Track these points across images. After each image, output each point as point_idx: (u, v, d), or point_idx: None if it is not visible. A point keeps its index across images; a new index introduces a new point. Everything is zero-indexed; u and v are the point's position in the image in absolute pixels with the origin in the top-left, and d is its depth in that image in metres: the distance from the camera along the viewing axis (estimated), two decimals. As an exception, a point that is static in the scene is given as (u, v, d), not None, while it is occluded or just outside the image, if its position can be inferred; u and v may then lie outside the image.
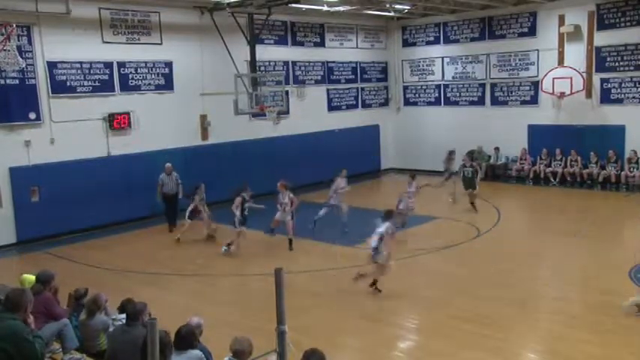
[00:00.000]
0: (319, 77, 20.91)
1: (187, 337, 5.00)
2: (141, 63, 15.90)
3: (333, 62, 21.32)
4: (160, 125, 16.07)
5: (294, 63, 19.93)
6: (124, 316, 6.10)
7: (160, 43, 16.22)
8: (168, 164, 14.71)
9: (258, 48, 17.73)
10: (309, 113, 20.18)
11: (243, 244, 12.55)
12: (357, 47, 22.15)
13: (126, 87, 15.64)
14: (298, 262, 11.59)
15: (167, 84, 16.46)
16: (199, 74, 16.89)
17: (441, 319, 8.67)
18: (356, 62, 22.17)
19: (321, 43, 20.87)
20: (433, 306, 9.23)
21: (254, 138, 18.34)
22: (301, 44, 20.20)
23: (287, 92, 18.96)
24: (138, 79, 15.88)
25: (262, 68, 18.31)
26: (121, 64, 15.51)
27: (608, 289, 9.60)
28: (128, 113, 15.54)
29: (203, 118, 17.20)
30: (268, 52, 18.72)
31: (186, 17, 16.70)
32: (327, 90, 21.22)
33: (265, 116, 17.49)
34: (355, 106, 22.35)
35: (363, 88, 22.58)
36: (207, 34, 16.97)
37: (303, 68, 20.30)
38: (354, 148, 21.36)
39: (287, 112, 18.95)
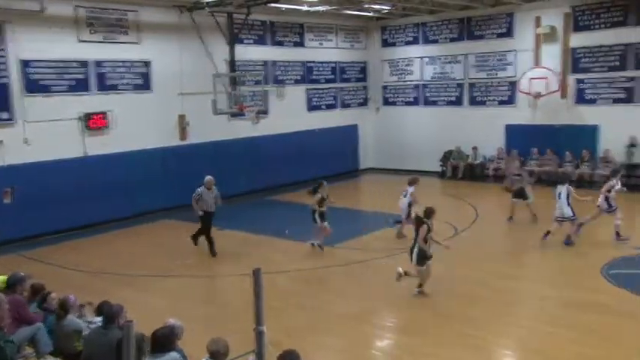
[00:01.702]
0: (299, 77, 20.90)
1: (164, 340, 4.95)
2: (118, 62, 15.74)
3: (313, 62, 21.32)
4: (138, 125, 15.92)
5: (273, 63, 19.90)
6: (100, 319, 6.04)
7: (138, 43, 16.08)
8: (209, 177, 12.46)
9: (238, 48, 17.69)
10: (289, 113, 20.16)
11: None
12: (336, 47, 22.18)
13: (103, 86, 15.47)
14: (277, 262, 11.57)
15: (145, 83, 16.32)
16: (178, 74, 16.77)
17: (420, 317, 8.73)
18: (335, 62, 22.20)
19: (301, 43, 20.86)
20: (412, 305, 9.28)
21: (233, 138, 18.27)
22: (281, 44, 20.17)
23: (266, 92, 18.92)
24: (115, 79, 15.72)
25: (242, 68, 18.25)
26: (98, 63, 15.34)
27: (583, 287, 9.75)
28: (105, 113, 15.38)
29: (182, 118, 17.09)
30: (248, 52, 18.66)
31: (164, 16, 16.57)
32: (307, 90, 21.22)
33: (245, 116, 17.44)
34: (334, 106, 22.38)
35: (342, 88, 22.62)
36: (186, 34, 16.87)
37: (282, 68, 20.28)
38: (333, 147, 21.44)
39: (266, 112, 18.91)
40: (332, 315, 8.99)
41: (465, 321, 8.46)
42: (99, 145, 15.26)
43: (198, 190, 12.26)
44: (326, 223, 12.20)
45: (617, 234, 12.06)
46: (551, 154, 19.09)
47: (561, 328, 8.15)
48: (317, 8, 18.91)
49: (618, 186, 12.21)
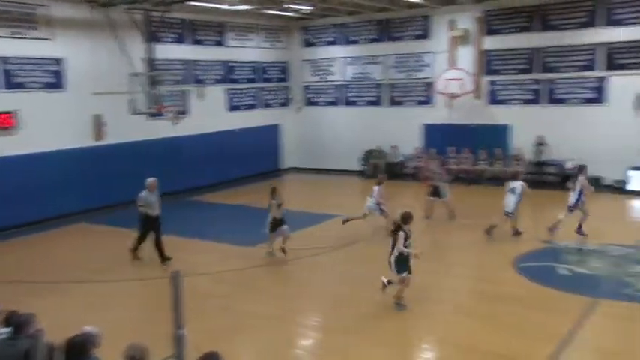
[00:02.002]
0: (219, 77, 20.67)
1: (79, 348, 4.77)
2: (27, 59, 15.03)
3: (234, 62, 21.15)
4: (51, 125, 15.25)
5: (193, 62, 19.59)
6: (8, 329, 5.75)
7: (51, 39, 15.41)
8: (151, 179, 11.71)
9: (156, 46, 17.27)
10: (209, 113, 19.91)
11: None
12: (257, 47, 22.10)
13: (10, 84, 14.71)
14: (200, 264, 11.42)
15: (58, 82, 15.66)
16: (93, 72, 16.18)
17: (343, 315, 8.85)
18: (256, 62, 22.12)
19: (221, 43, 20.65)
20: (336, 303, 9.41)
21: (153, 138, 17.84)
22: (201, 43, 19.89)
23: (186, 92, 18.60)
24: (24, 76, 14.99)
25: (160, 67, 17.84)
26: (5, 60, 14.59)
27: (495, 280, 10.22)
28: (13, 112, 14.63)
29: (98, 117, 16.51)
30: (166, 51, 18.25)
31: (77, 12, 15.94)
32: (227, 90, 21.03)
33: (163, 116, 17.06)
34: (255, 106, 22.29)
35: (263, 88, 22.57)
36: (102, 31, 16.28)
37: (202, 67, 19.99)
38: (255, 147, 21.38)
39: (186, 112, 18.59)
40: (256, 316, 8.98)
41: (386, 318, 8.67)
42: (8, 146, 14.51)
43: (141, 194, 11.54)
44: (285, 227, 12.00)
45: (580, 227, 12.49)
46: (467, 153, 19.84)
47: (475, 319, 8.51)
48: (237, 7, 18.76)
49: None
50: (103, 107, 16.39)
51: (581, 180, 12.43)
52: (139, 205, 11.45)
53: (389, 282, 9.34)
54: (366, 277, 10.52)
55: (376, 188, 13.50)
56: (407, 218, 9.01)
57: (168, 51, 18.46)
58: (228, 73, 20.98)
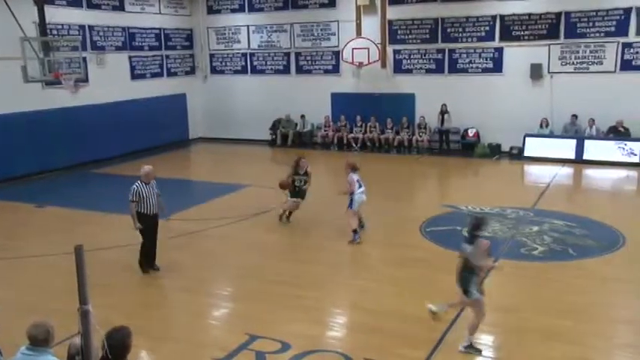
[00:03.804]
0: (120, 43, 19.75)
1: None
2: None
3: (135, 28, 20.26)
4: None
5: (90, 27, 18.57)
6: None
7: None
8: (147, 167, 9.22)
9: (48, 9, 16.15)
10: (111, 81, 19.03)
11: (63, 221, 11.59)
12: (159, 13, 21.26)
13: None
14: (107, 237, 11.01)
15: (-63, 47, 14.38)
16: (-22, 37, 14.97)
17: (256, 284, 8.85)
18: (159, 28, 21.31)
19: (120, 7, 19.68)
20: (247, 273, 9.38)
21: (50, 108, 16.84)
22: (98, 7, 18.86)
23: (84, 59, 17.62)
24: None
25: (54, 32, 16.79)
26: None
27: (403, 244, 10.55)
28: None
29: (-15, 86, 15.36)
30: (60, 15, 17.15)
31: (-43, -30, 14.62)
32: (130, 57, 20.16)
33: (61, 84, 16.11)
34: (160, 75, 21.55)
35: (168, 56, 21.82)
36: (-14, -9, 15.05)
37: (101, 33, 19.01)
38: (161, 117, 20.73)
39: (86, 80, 17.65)
40: (166, 288, 8.80)
41: (297, 285, 8.75)
42: None
43: (134, 186, 8.96)
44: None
45: None
46: (374, 122, 20.20)
47: (384, 284, 8.77)
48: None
49: None
50: (-8, 75, 15.24)
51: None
52: (132, 200, 8.94)
53: (448, 306, 7.15)
54: (276, 246, 10.56)
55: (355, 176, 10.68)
56: (482, 224, 6.90)
57: (63, 15, 17.39)
58: (129, 39, 20.08)
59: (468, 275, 6.65)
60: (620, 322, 7.56)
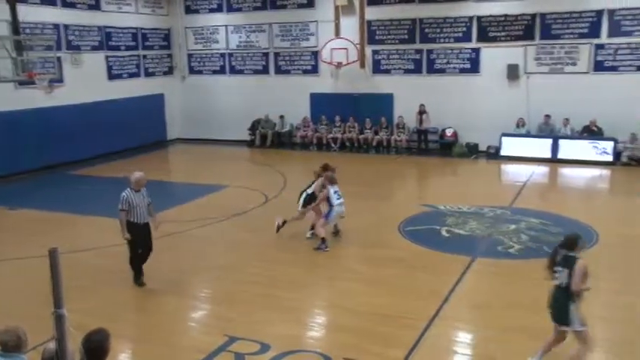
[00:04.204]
0: (96, 43, 19.54)
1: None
2: None
3: (111, 27, 20.06)
4: None
5: (66, 26, 18.35)
6: None
7: None
8: (138, 174, 8.65)
9: (21, 7, 15.91)
10: (88, 82, 18.83)
11: (38, 224, 11.41)
12: (137, 12, 21.09)
13: None
14: (84, 239, 10.90)
15: None
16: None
17: (235, 285, 8.82)
18: (136, 28, 21.12)
19: (97, 6, 19.47)
20: (226, 274, 9.34)
21: (24, 108, 16.60)
22: (73, 6, 18.65)
23: (59, 58, 17.41)
24: None
25: (28, 31, 16.54)
26: None
27: (381, 244, 10.60)
28: None
29: (-43, 86, 15.09)
30: (34, 13, 16.91)
31: None
32: (107, 57, 19.96)
33: (35, 84, 15.88)
34: (138, 75, 21.36)
35: (145, 56, 21.64)
36: (-43, -10, 14.80)
37: (77, 33, 18.80)
38: (138, 118, 20.55)
39: (61, 80, 17.44)
40: (144, 290, 8.72)
41: (276, 285, 8.74)
42: None
43: (124, 194, 8.45)
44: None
45: None
46: (353, 122, 20.25)
47: (363, 283, 8.80)
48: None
49: None
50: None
51: None
52: (121, 208, 8.44)
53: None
54: (255, 247, 10.54)
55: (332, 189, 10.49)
56: (577, 243, 5.98)
57: (37, 13, 17.16)
58: (106, 39, 19.88)
59: (567, 303, 5.80)
60: (593, 317, 7.67)
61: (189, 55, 22.81)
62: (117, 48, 20.37)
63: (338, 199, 10.43)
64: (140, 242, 8.65)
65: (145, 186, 8.67)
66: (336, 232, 10.94)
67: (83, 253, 10.05)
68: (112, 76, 20.22)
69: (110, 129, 19.28)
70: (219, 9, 21.91)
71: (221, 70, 22.42)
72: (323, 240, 10.28)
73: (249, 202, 13.40)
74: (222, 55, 22.24)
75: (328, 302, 8.40)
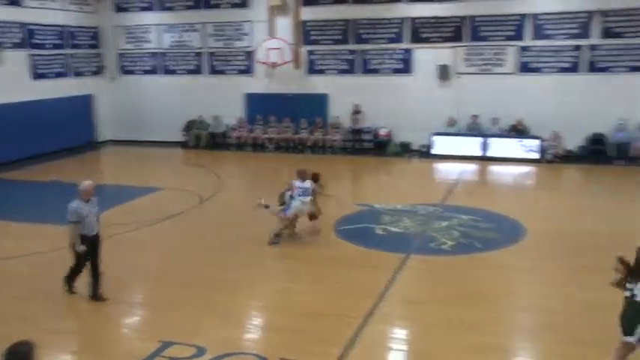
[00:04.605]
0: (18, 40, 18.73)
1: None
2: None
3: (34, 24, 19.26)
4: None
5: (-16, 23, 17.52)
6: None
7: None
8: (87, 182, 8.13)
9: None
10: (10, 81, 18.02)
11: None
12: (62, 9, 20.33)
13: None
14: (9, 247, 10.42)
15: None
16: None
17: (169, 289, 8.64)
18: (62, 26, 20.37)
19: (17, 2, 18.65)
20: (160, 277, 9.14)
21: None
22: (-8, 1, 17.83)
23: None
24: None
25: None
26: None
27: (317, 244, 10.64)
28: None
29: None
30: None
31: None
32: (30, 56, 19.16)
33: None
34: (65, 74, 20.61)
35: (72, 55, 20.91)
36: None
37: (-3, 30, 17.98)
38: (66, 119, 19.84)
39: (-19, 80, 16.65)
40: (74, 297, 8.41)
41: (211, 288, 8.63)
42: None
43: (72, 205, 7.94)
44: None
45: None
46: (289, 122, 20.25)
47: (298, 283, 8.82)
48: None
49: None
50: None
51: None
52: (70, 220, 7.97)
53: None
54: (190, 249, 10.38)
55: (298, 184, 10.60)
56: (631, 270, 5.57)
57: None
58: (29, 37, 19.07)
59: (637, 317, 5.50)
60: (521, 309, 7.98)
61: (120, 55, 22.21)
62: (41, 46, 19.58)
63: (300, 195, 10.43)
64: (88, 255, 8.16)
65: (93, 195, 8.20)
66: (289, 235, 10.82)
67: (6, 262, 9.61)
68: (36, 76, 19.42)
69: (35, 131, 18.51)
70: (150, 8, 21.44)
71: (153, 70, 21.94)
72: (277, 235, 10.37)
73: (183, 203, 13.19)
74: (154, 54, 21.77)
75: (264, 303, 8.37)
